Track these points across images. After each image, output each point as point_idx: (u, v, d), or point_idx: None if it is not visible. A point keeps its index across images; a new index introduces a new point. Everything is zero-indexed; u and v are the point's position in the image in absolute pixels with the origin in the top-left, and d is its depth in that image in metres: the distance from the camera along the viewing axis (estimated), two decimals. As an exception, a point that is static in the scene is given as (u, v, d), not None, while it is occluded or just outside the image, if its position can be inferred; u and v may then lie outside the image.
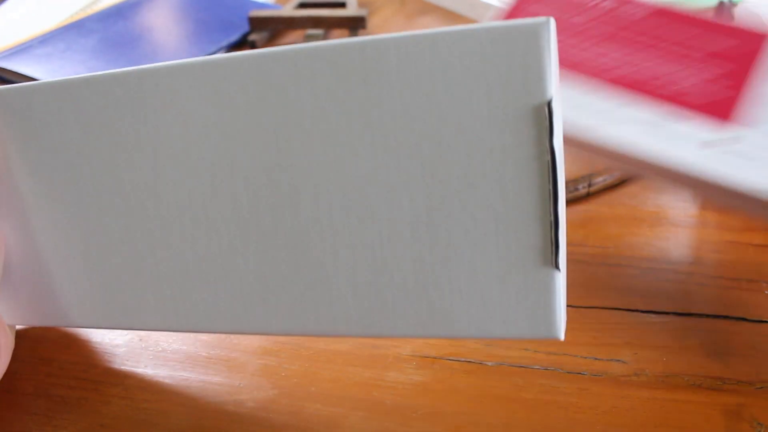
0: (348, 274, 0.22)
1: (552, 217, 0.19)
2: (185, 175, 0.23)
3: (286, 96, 0.21)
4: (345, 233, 0.22)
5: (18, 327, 0.32)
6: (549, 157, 0.19)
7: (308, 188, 0.22)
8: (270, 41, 0.68)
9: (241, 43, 0.66)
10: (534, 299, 0.20)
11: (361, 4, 0.73)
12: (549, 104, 0.19)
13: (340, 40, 0.21)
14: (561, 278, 0.20)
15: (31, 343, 0.31)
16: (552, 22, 0.18)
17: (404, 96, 0.20)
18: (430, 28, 0.73)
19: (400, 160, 0.21)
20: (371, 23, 0.72)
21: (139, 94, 0.23)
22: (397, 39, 0.20)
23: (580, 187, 0.40)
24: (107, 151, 0.24)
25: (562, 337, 0.20)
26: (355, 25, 0.65)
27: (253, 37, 0.66)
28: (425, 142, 0.20)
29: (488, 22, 0.19)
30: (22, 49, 0.56)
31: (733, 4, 0.70)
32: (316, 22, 0.66)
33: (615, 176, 0.40)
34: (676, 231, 0.37)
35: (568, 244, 0.36)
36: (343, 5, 0.70)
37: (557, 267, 0.20)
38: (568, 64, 0.30)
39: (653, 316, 0.31)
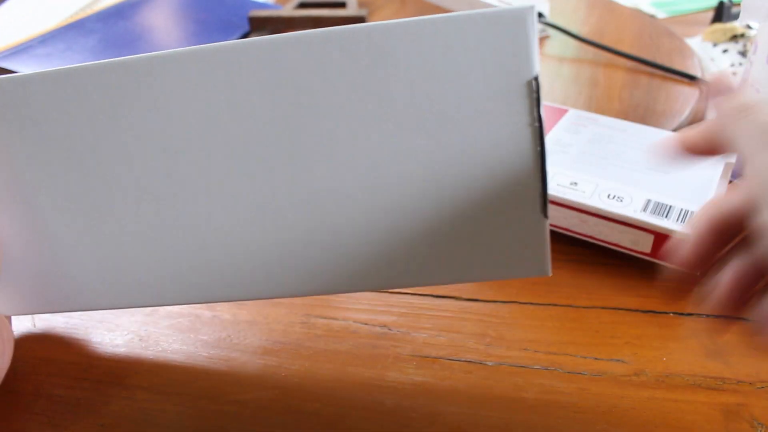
0: (365, 236, 0.24)
1: (541, 174, 0.23)
2: (200, 155, 0.24)
3: (299, 77, 0.23)
4: (360, 200, 0.24)
5: (24, 328, 0.32)
6: (538, 124, 0.22)
7: (323, 162, 0.24)
8: (270, 41, 0.68)
9: (241, 43, 0.66)
10: (530, 244, 0.24)
11: (361, 4, 0.73)
12: (536, 78, 0.22)
13: (349, 26, 0.22)
14: (548, 225, 0.24)
15: (31, 343, 0.31)
16: (535, 7, 0.21)
17: (409, 75, 0.22)
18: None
19: (408, 132, 0.23)
20: (371, 23, 0.72)
21: (148, 80, 0.23)
22: (402, 24, 0.22)
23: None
24: (115, 135, 0.24)
25: (550, 273, 0.24)
26: (355, 25, 0.65)
27: (253, 37, 0.66)
28: (431, 116, 0.23)
29: (481, 9, 0.21)
30: (22, 49, 0.56)
31: (734, 4, 0.70)
32: (316, 22, 0.66)
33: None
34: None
35: (569, 245, 0.36)
36: (343, 5, 0.70)
37: (546, 215, 0.23)
38: None
39: (653, 316, 0.31)
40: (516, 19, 0.21)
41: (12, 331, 0.28)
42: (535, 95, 0.22)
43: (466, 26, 0.21)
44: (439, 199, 0.23)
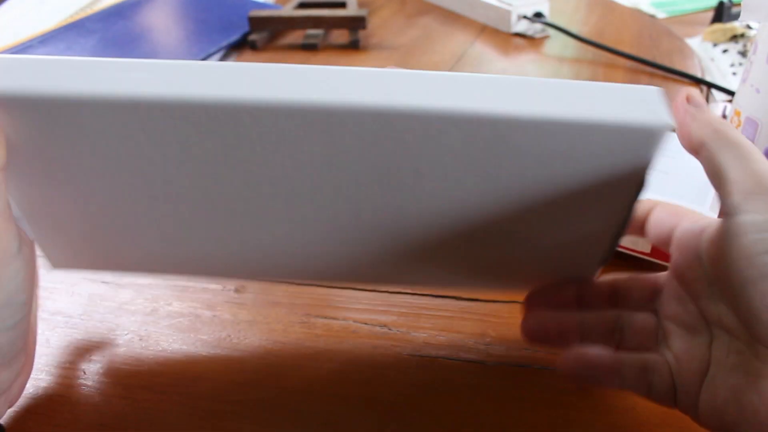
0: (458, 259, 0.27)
1: (610, 249, 0.26)
2: (291, 200, 0.24)
3: (407, 148, 0.22)
4: (453, 249, 0.26)
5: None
6: (627, 216, 0.24)
7: (418, 229, 0.25)
8: (270, 41, 0.68)
9: (241, 43, 0.66)
10: (579, 273, 0.28)
11: (361, 4, 0.73)
12: (644, 183, 0.23)
13: (474, 112, 0.21)
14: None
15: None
16: (670, 123, 0.21)
17: (523, 162, 0.22)
18: (430, 28, 0.72)
19: (507, 203, 0.24)
20: (371, 23, 0.72)
21: (240, 128, 0.21)
22: (527, 121, 0.21)
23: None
24: (197, 167, 0.23)
25: None
26: (355, 25, 0.65)
27: (253, 37, 0.65)
28: (534, 193, 0.23)
29: (610, 114, 0.21)
30: (22, 49, 0.56)
31: (733, 4, 0.70)
32: (316, 22, 0.66)
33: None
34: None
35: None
36: (343, 5, 0.70)
37: (600, 266, 0.27)
38: None
39: (653, 316, 0.31)
40: (650, 134, 0.21)
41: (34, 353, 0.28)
42: (636, 195, 0.23)
43: (594, 132, 0.21)
44: (520, 245, 0.26)
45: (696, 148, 0.22)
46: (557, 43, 0.66)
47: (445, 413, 0.27)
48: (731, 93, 0.53)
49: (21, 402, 0.28)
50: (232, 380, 0.29)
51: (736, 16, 0.69)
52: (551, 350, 0.30)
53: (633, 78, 0.57)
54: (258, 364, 0.29)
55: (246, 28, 0.66)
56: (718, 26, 0.66)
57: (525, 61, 0.62)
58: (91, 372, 0.29)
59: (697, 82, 0.56)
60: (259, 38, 0.66)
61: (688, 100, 0.24)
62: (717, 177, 0.21)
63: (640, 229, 0.27)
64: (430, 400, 0.27)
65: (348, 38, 0.66)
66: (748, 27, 0.65)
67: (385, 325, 0.31)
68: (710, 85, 0.55)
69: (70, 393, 0.28)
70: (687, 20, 0.75)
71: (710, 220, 0.23)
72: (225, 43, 0.64)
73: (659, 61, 0.59)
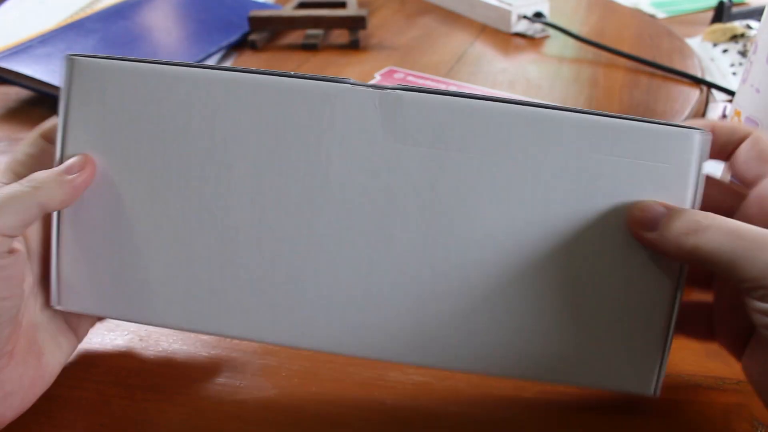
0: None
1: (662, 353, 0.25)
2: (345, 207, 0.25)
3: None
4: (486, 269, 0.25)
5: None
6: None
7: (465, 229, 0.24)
8: (270, 41, 0.68)
9: (241, 43, 0.66)
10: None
11: (361, 4, 0.73)
12: None
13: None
14: None
15: (31, 343, 0.31)
16: None
17: None
18: (430, 28, 0.72)
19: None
20: (371, 23, 0.72)
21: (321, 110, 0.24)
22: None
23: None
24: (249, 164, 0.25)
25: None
26: (355, 25, 0.65)
27: (253, 37, 0.65)
28: None
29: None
30: (22, 49, 0.56)
31: (733, 4, 0.70)
32: (316, 22, 0.66)
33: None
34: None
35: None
36: (343, 5, 0.70)
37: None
38: None
39: (653, 316, 0.31)
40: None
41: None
42: None
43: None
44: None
45: (686, 257, 0.22)
46: (557, 43, 0.66)
47: (445, 413, 0.27)
48: (731, 93, 0.53)
49: (21, 402, 0.28)
50: (232, 381, 0.29)
51: (736, 16, 0.69)
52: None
53: (633, 78, 0.57)
54: (258, 364, 0.29)
55: (246, 28, 0.66)
56: (718, 26, 0.66)
57: (525, 61, 0.62)
58: (91, 372, 0.29)
59: (697, 82, 0.56)
60: (259, 38, 0.66)
61: (634, 222, 0.23)
62: (729, 270, 0.20)
63: (725, 154, 0.24)
64: (430, 400, 0.28)
65: (348, 38, 0.66)
66: (748, 27, 0.65)
67: (385, 325, 0.31)
68: (710, 85, 0.55)
69: (70, 393, 0.28)
70: (687, 20, 0.75)
71: None
72: (225, 43, 0.64)
73: (659, 61, 0.59)
